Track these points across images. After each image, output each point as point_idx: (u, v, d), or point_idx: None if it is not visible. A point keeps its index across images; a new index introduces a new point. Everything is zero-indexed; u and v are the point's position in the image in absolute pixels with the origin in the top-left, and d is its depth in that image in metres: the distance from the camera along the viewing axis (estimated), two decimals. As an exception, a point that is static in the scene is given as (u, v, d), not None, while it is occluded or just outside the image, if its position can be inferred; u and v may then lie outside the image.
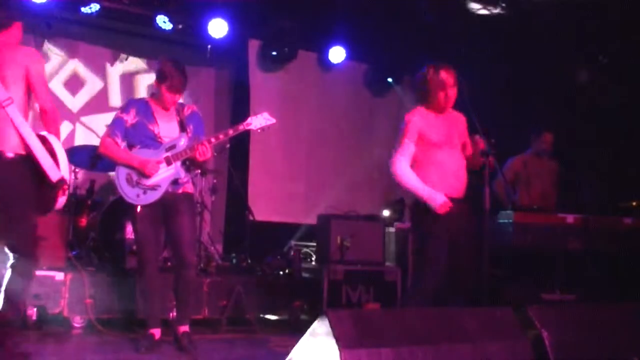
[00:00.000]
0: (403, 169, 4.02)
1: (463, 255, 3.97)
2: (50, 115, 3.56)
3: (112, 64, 7.27)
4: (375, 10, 6.89)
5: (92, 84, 7.19)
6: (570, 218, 5.59)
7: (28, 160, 3.46)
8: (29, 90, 3.53)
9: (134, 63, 7.37)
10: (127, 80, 7.36)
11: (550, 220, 5.59)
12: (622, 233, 5.65)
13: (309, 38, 7.43)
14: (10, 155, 3.43)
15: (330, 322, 2.77)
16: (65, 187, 3.53)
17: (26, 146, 3.44)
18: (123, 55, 7.24)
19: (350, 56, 7.66)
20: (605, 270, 5.52)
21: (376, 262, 5.89)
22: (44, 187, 3.49)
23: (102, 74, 7.23)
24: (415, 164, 4.07)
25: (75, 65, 7.08)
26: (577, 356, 3.29)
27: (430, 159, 4.04)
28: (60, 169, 3.49)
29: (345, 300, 5.64)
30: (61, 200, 3.54)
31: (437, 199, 3.91)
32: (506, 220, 5.58)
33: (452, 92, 4.08)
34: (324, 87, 7.90)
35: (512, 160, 6.19)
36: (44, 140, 3.52)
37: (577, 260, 5.59)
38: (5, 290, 3.45)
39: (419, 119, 4.06)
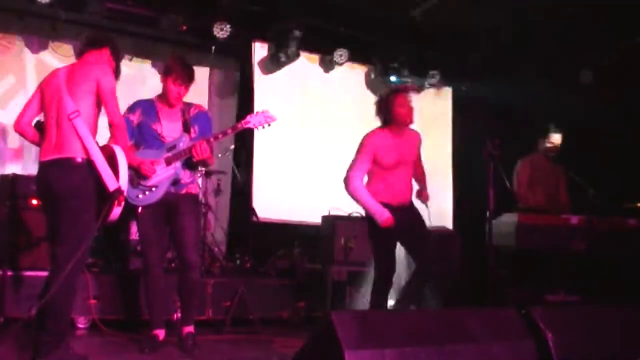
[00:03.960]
0: (357, 186, 4.48)
1: (422, 246, 4.47)
2: (117, 128, 3.70)
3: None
4: (378, 12, 6.90)
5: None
6: (574, 219, 5.59)
7: (93, 166, 3.56)
8: (99, 104, 3.68)
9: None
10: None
11: (555, 222, 5.58)
12: (626, 234, 5.64)
13: (312, 39, 7.43)
14: (79, 160, 3.56)
15: (333, 323, 2.77)
16: (122, 198, 3.58)
17: (89, 154, 3.58)
18: (127, 57, 7.25)
19: (353, 57, 7.66)
20: (609, 271, 5.51)
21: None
22: (103, 196, 3.56)
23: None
24: (368, 179, 4.55)
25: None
26: (581, 357, 3.29)
27: (381, 177, 4.51)
28: (118, 180, 3.56)
29: (349, 301, 5.64)
30: (116, 211, 3.59)
31: (382, 215, 4.37)
32: (510, 221, 5.58)
33: (410, 113, 4.55)
34: (327, 89, 7.90)
35: (522, 162, 6.14)
36: (109, 151, 3.62)
37: (581, 262, 5.58)
38: (47, 302, 3.44)
39: (377, 140, 4.52)
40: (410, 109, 4.56)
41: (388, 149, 4.51)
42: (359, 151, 4.53)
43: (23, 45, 6.78)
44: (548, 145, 6.12)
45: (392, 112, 4.52)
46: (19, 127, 3.80)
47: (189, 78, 4.22)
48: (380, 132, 4.58)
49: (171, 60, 4.26)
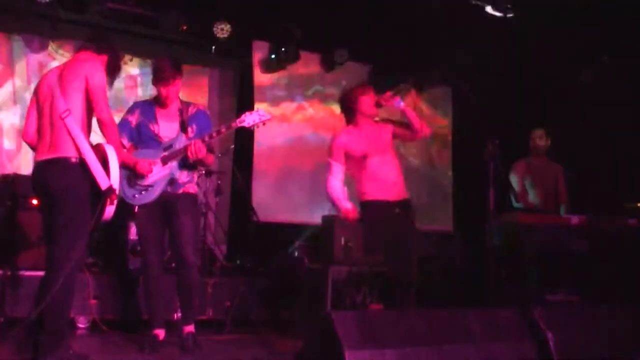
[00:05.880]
0: (328, 186, 4.55)
1: (402, 254, 4.48)
2: (106, 126, 3.63)
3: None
4: (378, 10, 6.90)
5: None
6: (574, 219, 5.57)
7: (86, 165, 3.55)
8: (89, 101, 3.63)
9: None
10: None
11: (555, 221, 5.58)
12: (627, 234, 5.63)
13: (312, 39, 7.43)
14: (73, 160, 3.55)
15: (334, 323, 2.77)
16: (114, 196, 3.55)
17: (81, 154, 3.55)
18: (127, 57, 7.25)
19: (353, 57, 7.66)
20: (609, 271, 5.50)
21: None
22: (97, 195, 3.54)
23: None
24: (356, 180, 4.61)
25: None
26: (581, 357, 3.29)
27: (364, 172, 4.54)
28: (110, 179, 3.54)
29: (349, 301, 5.63)
30: (109, 210, 3.57)
31: (341, 208, 4.52)
32: (510, 221, 5.57)
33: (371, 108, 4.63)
34: (327, 88, 7.90)
35: (516, 163, 6.12)
36: (102, 150, 3.60)
37: (582, 261, 5.57)
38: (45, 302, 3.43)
39: (343, 138, 4.62)
40: (376, 107, 4.67)
41: (357, 141, 4.58)
42: (328, 155, 4.62)
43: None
44: (533, 142, 6.03)
45: (357, 108, 4.63)
46: (27, 137, 3.78)
47: (171, 76, 4.15)
48: (346, 130, 4.70)
49: (156, 62, 4.22)
